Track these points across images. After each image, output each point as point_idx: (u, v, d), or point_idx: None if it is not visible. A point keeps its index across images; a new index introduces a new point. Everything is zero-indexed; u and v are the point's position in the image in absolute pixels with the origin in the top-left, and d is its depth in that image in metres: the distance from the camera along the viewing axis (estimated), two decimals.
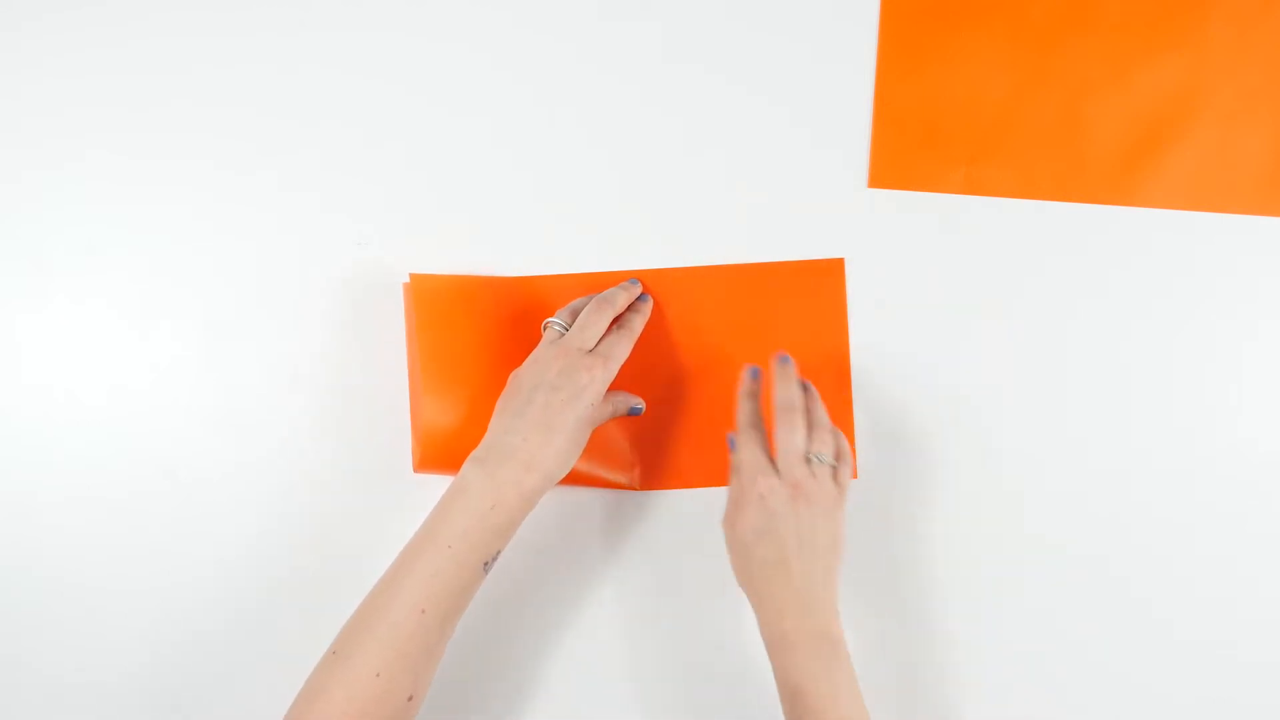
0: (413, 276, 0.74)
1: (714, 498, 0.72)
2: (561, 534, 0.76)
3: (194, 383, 0.77)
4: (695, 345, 0.77)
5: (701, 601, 0.76)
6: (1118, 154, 0.78)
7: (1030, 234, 0.78)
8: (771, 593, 0.66)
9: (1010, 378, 0.77)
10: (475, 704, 0.75)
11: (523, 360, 0.70)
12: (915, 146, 0.78)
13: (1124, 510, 0.77)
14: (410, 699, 0.62)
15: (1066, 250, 0.78)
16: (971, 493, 0.76)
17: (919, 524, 0.76)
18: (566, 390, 0.67)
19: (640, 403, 0.74)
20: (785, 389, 0.71)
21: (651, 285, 0.77)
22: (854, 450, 0.76)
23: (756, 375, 0.73)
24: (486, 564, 0.64)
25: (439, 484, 0.67)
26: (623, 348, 0.71)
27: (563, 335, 0.70)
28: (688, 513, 0.76)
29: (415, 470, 0.74)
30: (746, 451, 0.69)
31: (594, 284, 0.76)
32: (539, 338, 0.73)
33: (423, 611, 0.62)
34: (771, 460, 0.68)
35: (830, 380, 0.76)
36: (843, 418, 0.76)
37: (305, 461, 0.76)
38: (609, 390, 0.70)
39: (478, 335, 0.74)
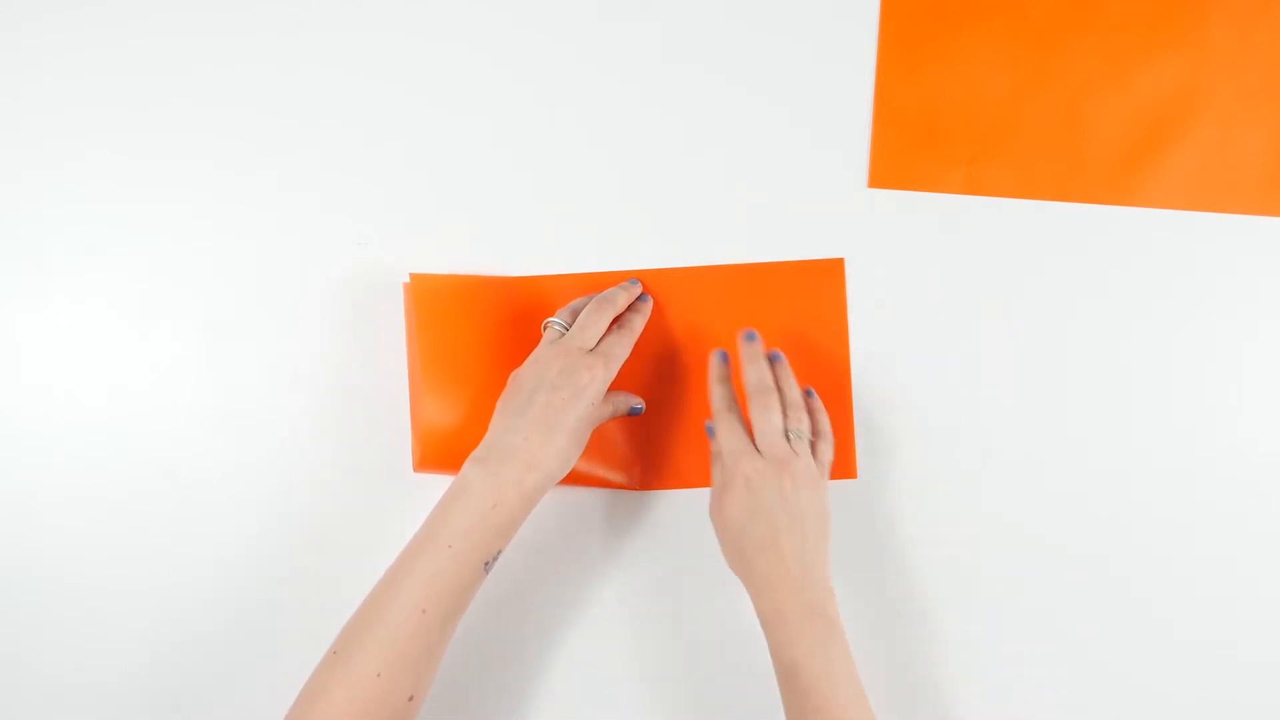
0: (413, 276, 0.74)
1: None
2: (562, 534, 0.76)
3: (194, 383, 0.77)
4: (695, 345, 0.77)
5: (702, 600, 0.76)
6: (1118, 154, 0.78)
7: (1030, 234, 0.78)
8: (764, 572, 0.66)
9: (1010, 378, 0.77)
10: (476, 704, 0.75)
11: (523, 360, 0.70)
12: (915, 146, 0.78)
13: (1124, 510, 0.77)
14: (411, 699, 0.62)
15: (1066, 250, 0.78)
16: (971, 493, 0.77)
17: (919, 524, 0.76)
18: (567, 390, 0.67)
19: (640, 402, 0.74)
20: (755, 369, 0.71)
21: (651, 285, 0.77)
22: (854, 450, 0.76)
23: (725, 358, 0.73)
24: (487, 564, 0.64)
25: (439, 484, 0.67)
26: (623, 347, 0.71)
27: (563, 335, 0.70)
28: (688, 513, 0.76)
29: (415, 470, 0.74)
30: (726, 436, 0.69)
31: (594, 284, 0.76)
32: (539, 337, 0.73)
33: (423, 611, 0.62)
34: (752, 441, 0.69)
35: (830, 380, 0.77)
36: (843, 418, 0.76)
37: (305, 461, 0.76)
38: (609, 390, 0.70)
39: (478, 335, 0.74)
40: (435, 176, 0.78)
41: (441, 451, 0.72)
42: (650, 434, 0.77)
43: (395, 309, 0.77)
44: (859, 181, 0.78)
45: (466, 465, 0.66)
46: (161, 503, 0.76)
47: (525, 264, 0.77)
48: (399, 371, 0.77)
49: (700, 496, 0.76)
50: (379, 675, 0.61)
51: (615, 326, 0.73)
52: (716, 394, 0.72)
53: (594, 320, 0.70)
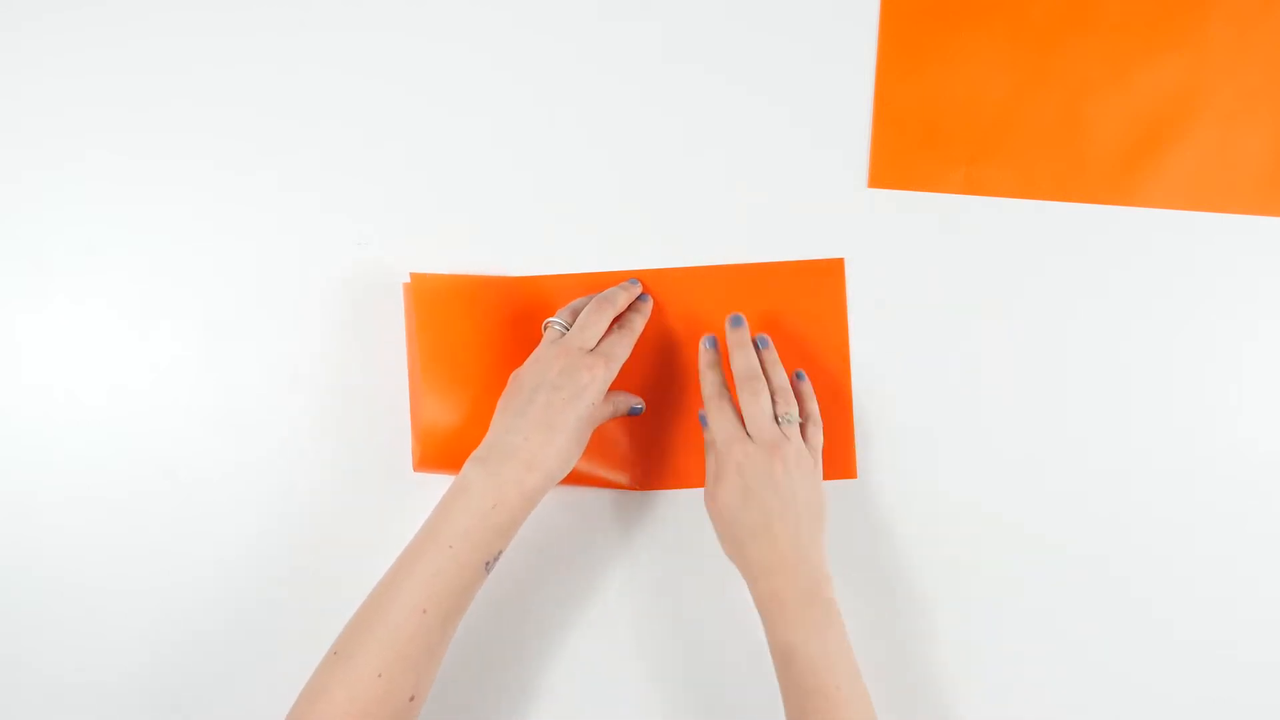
0: (413, 276, 0.74)
1: None
2: (562, 534, 0.76)
3: (194, 383, 0.77)
4: (695, 345, 0.77)
5: (702, 600, 0.76)
6: (1118, 154, 0.78)
7: (1030, 234, 0.78)
8: (759, 557, 0.67)
9: (1010, 378, 0.77)
10: (477, 704, 0.75)
11: (523, 360, 0.70)
12: (915, 146, 0.78)
13: (1124, 510, 0.77)
14: (412, 699, 0.62)
15: (1066, 250, 0.78)
16: (971, 493, 0.77)
17: (919, 523, 0.76)
18: (568, 390, 0.67)
19: (640, 402, 0.74)
20: (742, 356, 0.72)
21: (651, 285, 0.77)
22: (854, 450, 0.77)
23: (714, 344, 0.74)
24: (488, 564, 0.64)
25: (439, 484, 0.67)
26: (623, 347, 0.71)
27: (563, 335, 0.70)
28: (688, 512, 0.76)
29: (415, 469, 0.74)
30: (718, 423, 0.70)
31: (594, 284, 0.76)
32: (539, 337, 0.73)
33: (424, 612, 0.62)
34: (743, 428, 0.69)
35: (830, 380, 0.77)
36: (843, 417, 0.76)
37: (305, 461, 0.76)
38: (610, 390, 0.70)
39: (478, 335, 0.74)
40: (435, 176, 0.78)
41: (441, 451, 0.72)
42: (650, 434, 0.77)
43: (395, 309, 0.77)
44: (859, 181, 0.78)
45: (467, 465, 0.66)
46: (161, 503, 0.76)
47: (525, 264, 0.77)
48: (399, 371, 0.77)
49: (700, 496, 0.76)
50: (380, 675, 0.61)
51: (616, 326, 0.73)
52: (707, 380, 0.73)
53: (594, 320, 0.70)
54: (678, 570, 0.76)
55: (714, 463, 0.70)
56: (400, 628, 0.62)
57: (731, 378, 0.72)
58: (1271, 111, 0.78)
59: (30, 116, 0.78)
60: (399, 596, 0.62)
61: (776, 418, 0.70)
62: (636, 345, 0.73)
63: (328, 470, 0.76)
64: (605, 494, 0.77)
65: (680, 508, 0.77)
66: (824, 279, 0.77)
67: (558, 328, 0.71)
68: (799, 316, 0.77)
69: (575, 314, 0.72)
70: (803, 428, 0.72)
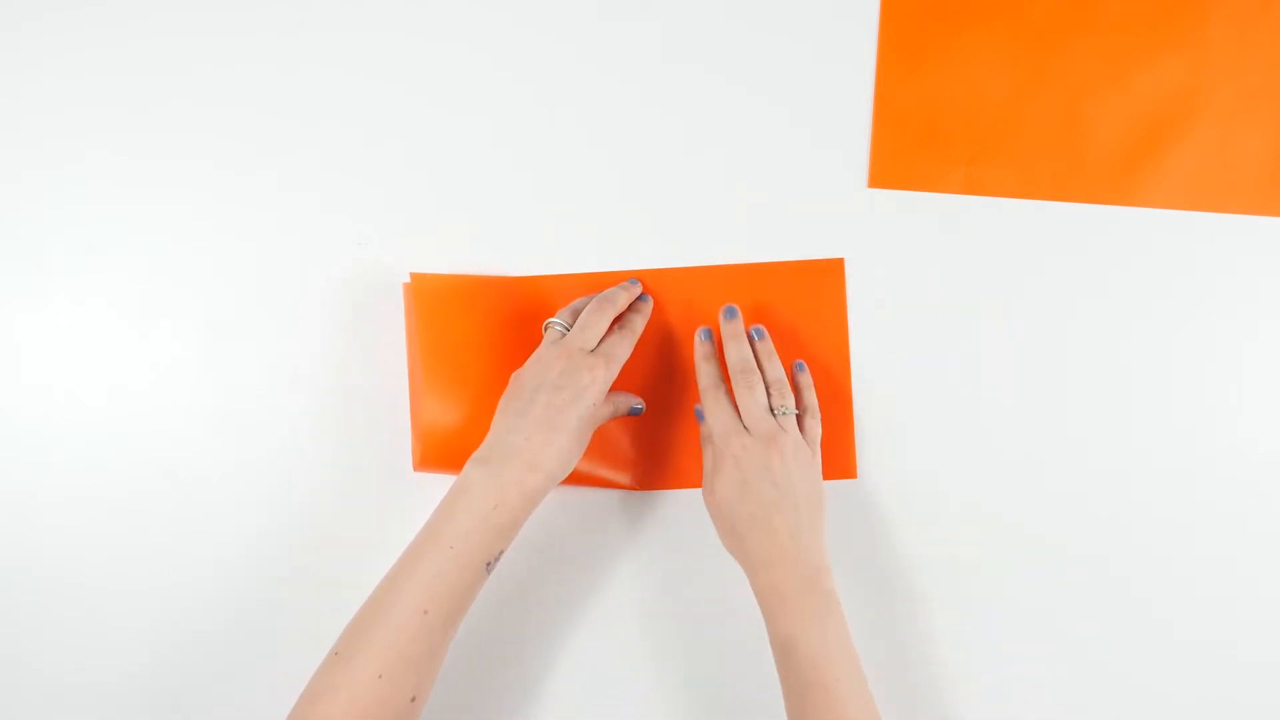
0: (413, 276, 0.74)
1: None
2: (563, 534, 0.76)
3: (194, 383, 0.77)
4: (694, 346, 0.77)
5: (704, 599, 0.76)
6: (1118, 154, 0.78)
7: (1030, 234, 0.78)
8: (758, 550, 0.67)
9: (1010, 378, 0.77)
10: (478, 705, 0.75)
11: (523, 360, 0.70)
12: (915, 146, 0.78)
13: (1124, 510, 0.77)
14: (413, 700, 0.62)
15: (1066, 250, 0.78)
16: (971, 493, 0.77)
17: (919, 523, 0.76)
18: (569, 390, 0.67)
19: (640, 402, 0.74)
20: (736, 349, 0.72)
21: (651, 285, 0.77)
22: (854, 450, 0.76)
23: (709, 335, 0.75)
24: (489, 564, 0.64)
25: (439, 484, 0.67)
26: (624, 348, 0.71)
27: (564, 335, 0.70)
28: (688, 512, 0.76)
29: (415, 469, 0.74)
30: (714, 416, 0.70)
31: (594, 284, 0.76)
32: (539, 337, 0.73)
33: (425, 612, 0.62)
34: (740, 420, 0.69)
35: (830, 380, 0.77)
36: (843, 418, 0.76)
37: (305, 461, 0.76)
38: (610, 390, 0.70)
39: (478, 334, 0.74)
40: (435, 176, 0.78)
41: (442, 451, 0.72)
42: (651, 434, 0.77)
43: (395, 309, 0.77)
44: (859, 181, 0.78)
45: (468, 466, 0.66)
46: (161, 503, 0.76)
47: (525, 264, 0.77)
48: (399, 371, 0.77)
49: (697, 495, 0.76)
50: (381, 676, 0.61)
51: (616, 327, 0.73)
52: (703, 373, 0.73)
53: (595, 321, 0.70)
54: (678, 570, 0.76)
55: (711, 456, 0.70)
56: (401, 629, 0.61)
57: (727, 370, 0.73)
58: (1271, 111, 0.78)
59: (30, 116, 0.78)
60: (400, 597, 0.62)
61: (772, 410, 0.70)
62: (637, 345, 0.73)
63: (328, 470, 0.76)
64: (606, 494, 0.77)
65: (681, 507, 0.77)
66: (824, 279, 0.77)
67: (558, 328, 0.71)
68: (799, 316, 0.77)
69: (576, 314, 0.72)
70: (800, 419, 0.72)
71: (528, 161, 0.78)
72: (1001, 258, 0.78)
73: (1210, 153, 0.78)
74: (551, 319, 0.71)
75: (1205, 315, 0.77)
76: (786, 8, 0.78)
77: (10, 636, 0.75)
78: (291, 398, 0.77)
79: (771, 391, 0.71)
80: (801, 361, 0.75)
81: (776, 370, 0.72)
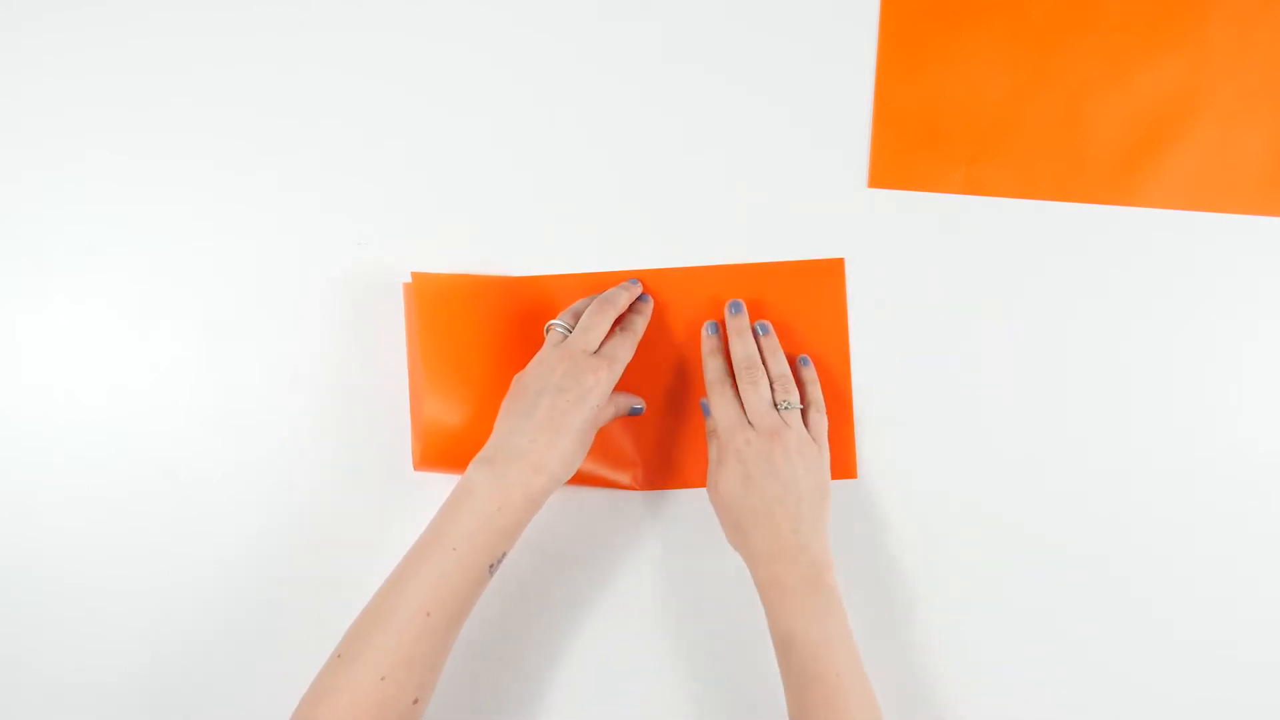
0: (414, 275, 0.74)
1: None
2: (564, 536, 0.76)
3: (194, 383, 0.77)
4: (696, 345, 0.77)
5: (705, 600, 0.76)
6: (1118, 154, 0.78)
7: (1030, 234, 0.78)
8: (760, 544, 0.67)
9: (1010, 378, 0.77)
10: (479, 706, 0.74)
11: (524, 359, 0.70)
12: (915, 146, 0.78)
13: (1124, 510, 0.77)
14: (415, 702, 0.62)
15: (1066, 250, 0.78)
16: (971, 493, 0.77)
17: (919, 523, 0.76)
18: (573, 392, 0.67)
19: (641, 402, 0.74)
20: (741, 344, 0.73)
21: (651, 285, 0.77)
22: (854, 450, 0.76)
23: (716, 330, 0.75)
24: (492, 566, 0.64)
25: (439, 484, 0.67)
26: (626, 349, 0.71)
27: (566, 338, 0.70)
28: (689, 513, 0.76)
29: (415, 469, 0.74)
30: (720, 410, 0.71)
31: (594, 284, 0.76)
32: (540, 337, 0.73)
33: (428, 614, 0.62)
34: (745, 415, 0.70)
35: (830, 380, 0.77)
36: (843, 418, 0.76)
37: (305, 461, 0.76)
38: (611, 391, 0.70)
39: (479, 334, 0.74)
40: (435, 176, 0.78)
41: (442, 450, 0.72)
42: (652, 434, 0.77)
43: (395, 309, 0.77)
44: (859, 181, 0.78)
45: (471, 467, 0.66)
46: (161, 503, 0.76)
47: (525, 264, 0.77)
48: (399, 371, 0.77)
49: (702, 496, 0.76)
50: (383, 678, 0.61)
51: (617, 328, 0.73)
52: (709, 367, 0.74)
53: (596, 322, 0.70)
54: (680, 570, 0.76)
55: (715, 450, 0.70)
56: (404, 630, 0.61)
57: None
58: (1271, 111, 0.78)
59: (30, 116, 0.78)
60: (403, 599, 0.62)
61: (776, 405, 0.70)
62: (637, 346, 0.73)
63: (328, 470, 0.76)
64: (607, 495, 0.77)
65: (682, 507, 0.77)
66: (824, 279, 0.77)
67: (560, 330, 0.71)
68: (799, 317, 0.77)
69: (577, 316, 0.72)
70: (805, 414, 0.72)
71: (528, 161, 0.78)
72: (1001, 258, 0.78)
73: (1210, 153, 0.78)
74: (553, 321, 0.71)
75: (1205, 315, 0.78)
76: (786, 8, 0.78)
77: (10, 636, 0.75)
78: (291, 398, 0.77)
79: (775, 386, 0.71)
80: (806, 356, 0.75)
81: (780, 365, 0.73)
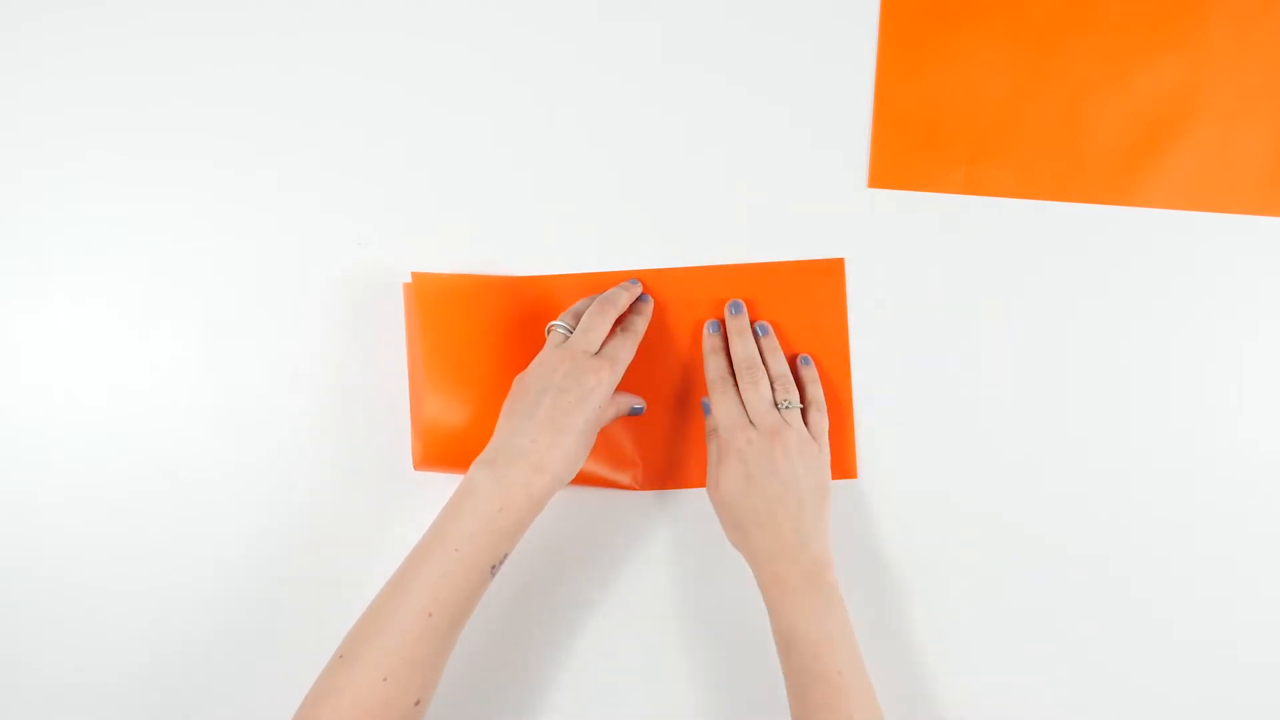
0: (415, 275, 0.74)
1: None
2: (564, 536, 0.76)
3: (194, 383, 0.77)
4: (696, 345, 0.77)
5: (707, 600, 0.76)
6: (1118, 154, 0.78)
7: (1030, 234, 0.78)
8: (761, 543, 0.67)
9: (1010, 378, 0.77)
10: (481, 707, 0.74)
11: (524, 359, 0.70)
12: (915, 146, 0.78)
13: (1124, 510, 0.77)
14: (417, 703, 0.62)
15: (1066, 250, 0.78)
16: (971, 493, 0.76)
17: (919, 523, 0.76)
18: (574, 393, 0.67)
19: (641, 402, 0.74)
20: (741, 345, 0.73)
21: (651, 285, 0.77)
22: (854, 450, 0.77)
23: (718, 329, 0.75)
24: (494, 567, 0.64)
25: (439, 484, 0.67)
26: (627, 350, 0.71)
27: (567, 338, 0.70)
28: (690, 513, 0.76)
29: (416, 468, 0.74)
30: (721, 409, 0.71)
31: (595, 284, 0.76)
32: (541, 337, 0.73)
33: (430, 615, 0.62)
34: (746, 414, 0.70)
35: (830, 380, 0.77)
36: (843, 418, 0.76)
37: (305, 461, 0.76)
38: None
39: (479, 333, 0.74)
40: (435, 176, 0.78)
41: (443, 450, 0.72)
42: (651, 434, 0.77)
43: (395, 309, 0.77)
44: (859, 181, 0.78)
45: (473, 468, 0.66)
46: (161, 503, 0.76)
47: (525, 264, 0.77)
48: (399, 371, 0.77)
49: (702, 496, 0.76)
50: (385, 679, 0.61)
51: (618, 329, 0.73)
52: (710, 365, 0.74)
53: (597, 322, 0.70)
54: (682, 569, 0.76)
55: (715, 450, 0.70)
56: (406, 631, 0.61)
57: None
58: (1271, 111, 0.78)
59: (30, 116, 0.78)
60: (405, 600, 0.62)
61: (777, 404, 0.70)
62: (638, 346, 0.73)
63: (328, 470, 0.76)
64: (608, 496, 0.77)
65: (683, 507, 0.77)
66: (824, 279, 0.77)
67: (561, 331, 0.71)
68: (799, 317, 0.77)
69: (578, 317, 0.72)
70: (805, 413, 0.72)
71: (528, 161, 0.78)
72: (1001, 258, 0.78)
73: (1210, 153, 0.78)
74: (554, 322, 0.71)
75: (1205, 315, 0.77)
76: (786, 8, 0.78)
77: (10, 636, 0.75)
78: (291, 398, 0.77)
79: (775, 386, 0.72)
80: (807, 356, 0.75)
81: (780, 365, 0.73)
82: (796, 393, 0.72)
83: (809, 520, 0.67)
